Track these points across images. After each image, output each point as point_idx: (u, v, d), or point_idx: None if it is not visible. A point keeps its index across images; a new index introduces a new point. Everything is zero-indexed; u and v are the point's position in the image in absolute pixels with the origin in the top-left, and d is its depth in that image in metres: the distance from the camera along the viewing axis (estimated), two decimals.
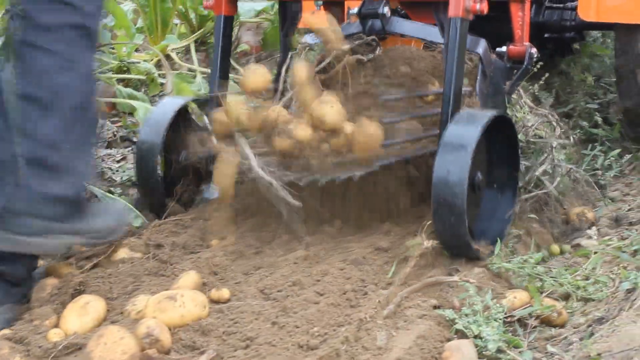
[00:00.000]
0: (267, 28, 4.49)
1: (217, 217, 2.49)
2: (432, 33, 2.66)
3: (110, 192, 2.90)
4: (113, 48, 3.77)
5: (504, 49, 2.78)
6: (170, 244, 2.40)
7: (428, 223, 2.30)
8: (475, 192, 2.34)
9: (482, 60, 2.64)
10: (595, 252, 2.40)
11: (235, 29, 4.49)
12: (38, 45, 2.06)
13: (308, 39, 2.95)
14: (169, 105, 2.73)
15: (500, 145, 2.45)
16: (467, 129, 2.29)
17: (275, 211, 2.42)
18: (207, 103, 2.73)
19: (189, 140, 2.61)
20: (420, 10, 2.81)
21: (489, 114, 2.34)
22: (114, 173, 3.05)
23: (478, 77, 2.65)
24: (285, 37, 2.85)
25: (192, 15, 4.10)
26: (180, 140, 2.67)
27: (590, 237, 2.61)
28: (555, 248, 2.56)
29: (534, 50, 2.78)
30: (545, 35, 3.45)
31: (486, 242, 2.33)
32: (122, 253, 2.32)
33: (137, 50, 3.95)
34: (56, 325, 1.99)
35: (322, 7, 2.90)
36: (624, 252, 2.35)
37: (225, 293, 2.10)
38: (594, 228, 2.71)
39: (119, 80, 3.61)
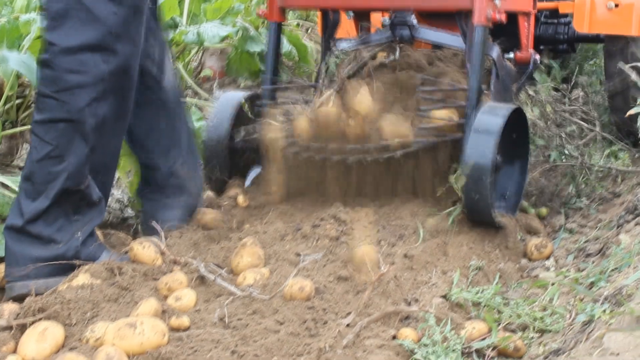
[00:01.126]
0: (231, 53, 4.50)
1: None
2: (453, 40, 3.13)
3: None
4: None
5: (511, 55, 3.30)
6: (131, 270, 2.39)
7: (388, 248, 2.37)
8: (495, 171, 2.76)
9: (495, 63, 3.11)
10: (553, 284, 2.43)
11: (199, 54, 4.52)
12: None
13: (343, 44, 3.30)
14: (231, 98, 3.20)
15: (515, 131, 2.89)
16: (493, 118, 2.76)
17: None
18: (259, 97, 3.22)
19: (243, 128, 3.12)
20: (440, 21, 3.24)
21: (509, 106, 2.84)
22: None
23: (492, 78, 3.11)
24: (327, 41, 3.32)
25: None
26: (238, 128, 3.13)
27: (548, 269, 2.65)
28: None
29: (537, 56, 3.35)
30: (541, 47, 3.85)
31: (501, 212, 2.85)
32: (82, 279, 2.31)
33: None
34: (14, 351, 1.98)
35: (353, 18, 3.38)
36: (580, 284, 2.38)
37: (185, 321, 2.10)
38: (552, 259, 2.75)
39: None
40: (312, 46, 5.10)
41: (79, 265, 2.40)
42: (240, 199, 3.05)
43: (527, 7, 3.34)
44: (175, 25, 4.00)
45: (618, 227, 2.69)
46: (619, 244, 2.41)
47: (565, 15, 3.91)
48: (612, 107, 3.75)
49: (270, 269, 2.43)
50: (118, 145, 2.62)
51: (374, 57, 3.21)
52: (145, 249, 2.49)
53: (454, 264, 2.57)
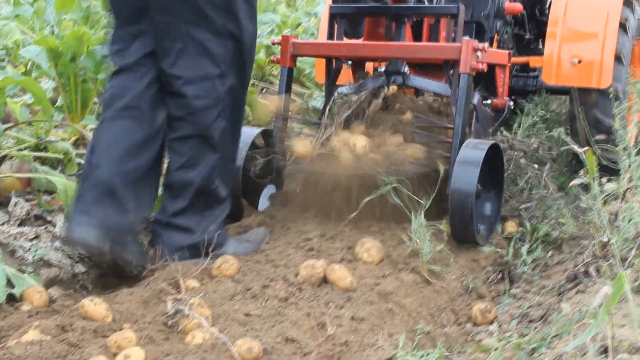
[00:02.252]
0: None
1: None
2: (440, 87, 3.59)
3: (21, 271, 2.89)
4: (31, 125, 3.78)
5: (489, 101, 3.85)
6: (81, 327, 2.40)
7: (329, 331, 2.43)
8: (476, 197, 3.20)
9: (476, 108, 3.63)
10: (496, 349, 2.48)
11: None
12: None
13: (344, 89, 3.77)
14: (248, 133, 3.58)
15: (492, 164, 3.35)
16: (475, 152, 3.23)
17: None
18: (271, 134, 3.67)
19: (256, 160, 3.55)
20: (427, 71, 3.77)
21: (489, 142, 3.32)
22: (25, 252, 3.04)
23: (473, 120, 3.62)
24: (330, 86, 3.78)
25: None
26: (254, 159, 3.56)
27: (491, 334, 2.70)
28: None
29: (511, 103, 3.93)
30: (512, 97, 4.25)
31: (480, 234, 3.30)
32: (32, 335, 2.31)
33: (55, 127, 3.97)
34: None
35: (351, 67, 3.80)
36: (522, 349, 2.43)
37: None
38: (495, 324, 2.80)
39: (36, 158, 3.62)
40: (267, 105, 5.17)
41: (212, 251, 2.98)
42: None
43: (504, 61, 3.83)
44: None
45: (560, 295, 2.76)
46: (560, 312, 2.47)
47: (534, 70, 4.46)
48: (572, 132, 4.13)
49: (220, 328, 2.46)
50: (236, 150, 3.27)
51: (370, 101, 3.67)
52: (96, 305, 2.51)
53: (401, 327, 2.62)
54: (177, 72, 3.00)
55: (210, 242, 3.04)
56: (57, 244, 3.13)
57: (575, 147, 2.41)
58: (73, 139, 3.80)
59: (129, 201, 2.98)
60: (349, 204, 3.33)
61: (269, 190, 3.74)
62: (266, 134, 3.70)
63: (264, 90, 5.57)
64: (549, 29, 4.07)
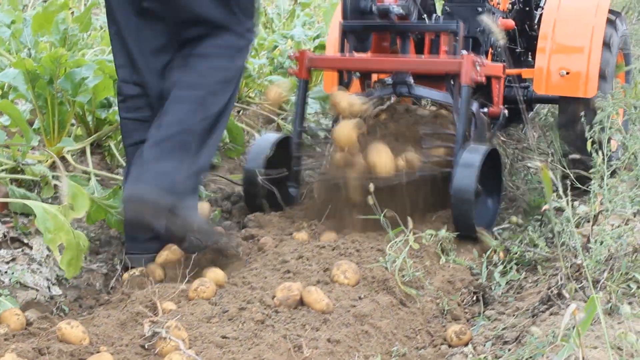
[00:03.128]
0: None
1: None
2: (443, 96, 4.00)
3: None
4: (8, 148, 3.78)
5: (486, 109, 4.15)
6: (57, 350, 2.41)
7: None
8: (476, 197, 3.57)
9: (474, 115, 3.92)
10: None
11: None
12: None
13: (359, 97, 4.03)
14: (268, 138, 4.06)
15: (491, 166, 3.71)
16: (474, 155, 3.60)
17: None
18: (290, 141, 4.07)
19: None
20: (430, 82, 4.11)
21: (486, 147, 3.69)
22: (2, 275, 3.04)
23: (472, 127, 3.89)
24: (347, 88, 4.12)
25: (89, 119, 4.15)
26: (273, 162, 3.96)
27: (466, 355, 2.73)
28: None
29: (506, 111, 4.24)
30: (505, 105, 4.46)
31: (481, 229, 3.60)
32: (9, 358, 2.31)
33: (32, 149, 3.97)
34: None
35: (359, 78, 4.22)
36: None
37: None
38: (470, 345, 2.83)
39: (13, 181, 3.62)
40: (244, 127, 5.19)
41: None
42: None
43: (499, 73, 4.16)
44: (109, 105, 4.05)
45: (533, 316, 2.79)
46: (534, 334, 2.50)
47: (525, 80, 4.84)
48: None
49: (196, 351, 2.47)
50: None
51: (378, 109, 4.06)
52: (73, 328, 2.51)
53: (377, 349, 2.64)
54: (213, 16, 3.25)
55: (185, 178, 3.15)
56: (34, 266, 3.14)
57: (536, 163, 2.45)
58: (50, 161, 3.80)
59: None
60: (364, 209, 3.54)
61: (286, 191, 4.10)
62: (285, 140, 4.08)
63: (241, 112, 5.60)
64: (539, 44, 4.43)
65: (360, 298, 2.92)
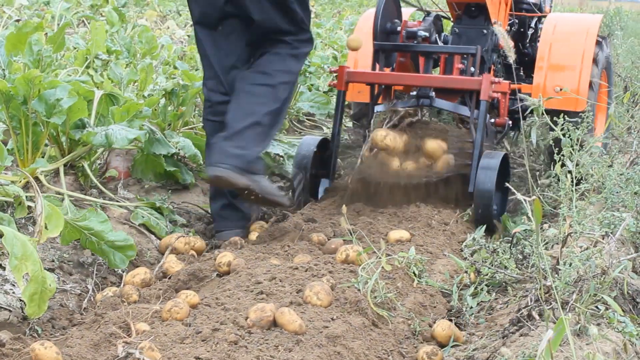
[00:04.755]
0: (137, 155, 4.58)
1: None
2: (461, 109, 4.67)
3: None
4: None
5: (492, 120, 4.72)
6: None
7: None
8: None
9: (486, 126, 4.48)
10: None
11: (105, 154, 4.58)
12: None
13: (380, 108, 4.81)
14: (312, 140, 4.77)
15: (502, 168, 4.33)
16: (493, 160, 4.30)
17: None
18: (329, 144, 4.78)
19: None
20: (450, 96, 4.80)
21: (502, 153, 4.39)
22: None
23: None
24: (372, 105, 4.86)
25: (63, 139, 4.15)
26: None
27: None
28: None
29: (510, 122, 4.83)
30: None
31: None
32: None
33: (5, 169, 3.96)
34: None
35: (383, 90, 4.90)
36: None
37: None
38: None
39: None
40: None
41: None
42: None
43: (505, 89, 4.72)
44: (83, 126, 4.06)
45: (504, 338, 2.83)
46: (504, 355, 2.54)
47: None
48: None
49: None
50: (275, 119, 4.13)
51: (403, 117, 4.66)
52: (46, 349, 2.52)
53: None
54: (285, 27, 4.11)
55: (254, 160, 3.96)
56: (7, 287, 3.14)
57: (519, 196, 2.49)
58: (23, 181, 3.80)
59: None
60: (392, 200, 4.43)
61: (324, 183, 4.78)
62: (325, 141, 4.78)
63: None
64: (537, 63, 5.14)
65: (332, 319, 2.94)
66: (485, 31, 5.11)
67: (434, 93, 4.68)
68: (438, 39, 5.09)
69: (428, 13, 5.40)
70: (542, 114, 3.80)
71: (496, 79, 4.53)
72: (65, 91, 3.89)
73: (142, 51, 6.91)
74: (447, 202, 4.46)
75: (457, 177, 4.48)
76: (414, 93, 4.74)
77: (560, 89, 4.88)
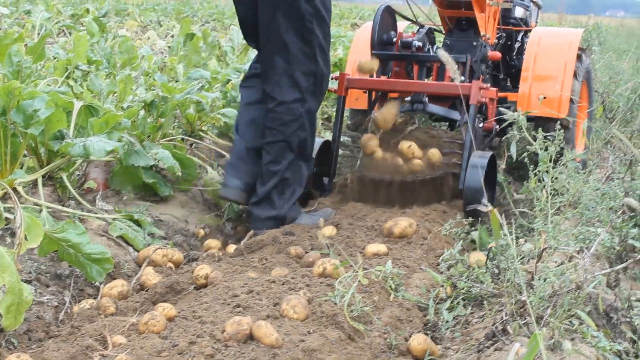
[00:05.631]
0: (115, 167, 4.58)
1: None
2: (452, 113, 5.10)
3: None
4: None
5: (481, 125, 5.09)
6: None
7: None
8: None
9: (475, 129, 4.88)
10: None
11: (84, 165, 4.57)
12: None
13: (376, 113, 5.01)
14: (316, 142, 4.96)
15: (490, 167, 4.65)
16: (481, 159, 4.58)
17: None
18: (330, 145, 5.14)
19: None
20: (442, 102, 5.19)
21: (489, 153, 4.70)
22: None
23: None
24: (371, 109, 5.20)
25: (41, 150, 4.15)
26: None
27: None
28: None
29: (497, 126, 5.12)
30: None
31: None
32: None
33: None
34: None
35: (380, 96, 5.23)
36: None
37: None
38: None
39: None
40: (197, 161, 5.22)
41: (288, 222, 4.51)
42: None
43: (493, 96, 5.14)
44: (62, 137, 4.06)
45: (479, 352, 2.85)
46: None
47: (506, 101, 5.63)
48: None
49: None
50: (309, 152, 4.71)
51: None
52: None
53: None
54: (274, 95, 4.51)
55: (287, 215, 4.51)
56: None
57: (483, 208, 2.52)
58: (1, 192, 3.79)
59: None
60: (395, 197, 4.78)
61: (325, 180, 5.17)
62: (327, 143, 5.14)
63: (193, 145, 5.62)
64: (522, 74, 5.54)
65: (309, 333, 2.96)
66: (474, 43, 5.46)
67: (427, 99, 5.05)
68: (431, 50, 5.50)
69: (422, 26, 5.67)
70: (521, 128, 3.85)
71: (484, 85, 4.90)
72: (43, 102, 3.89)
73: (122, 61, 6.92)
74: (438, 200, 4.77)
75: (448, 176, 4.80)
76: (408, 99, 5.11)
77: (544, 97, 5.30)
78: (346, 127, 5.81)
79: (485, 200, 4.13)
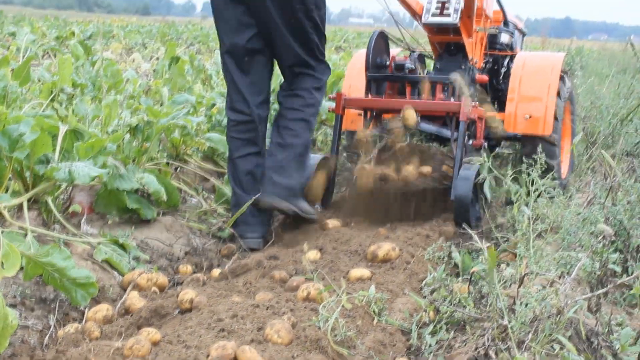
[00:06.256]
0: (100, 190, 4.59)
1: None
2: (443, 131, 5.48)
3: None
4: None
5: (470, 142, 5.36)
6: None
7: None
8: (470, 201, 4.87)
9: (465, 146, 5.14)
10: None
11: (69, 189, 4.58)
12: None
13: (375, 130, 5.43)
14: (313, 159, 5.25)
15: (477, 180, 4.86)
16: (469, 171, 4.89)
17: None
18: (328, 161, 5.36)
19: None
20: (433, 121, 5.53)
21: (477, 165, 4.85)
22: None
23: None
24: (369, 124, 5.50)
25: (27, 174, 4.16)
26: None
27: None
28: None
29: (486, 143, 5.51)
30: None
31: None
32: None
33: None
34: None
35: (375, 115, 5.56)
36: None
37: None
38: None
39: None
40: (181, 187, 5.24)
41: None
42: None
43: (482, 114, 5.45)
44: (47, 161, 4.07)
45: None
46: None
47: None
48: None
49: None
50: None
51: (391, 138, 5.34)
52: None
53: None
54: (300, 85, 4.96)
55: (298, 188, 4.95)
56: None
57: (479, 244, 2.55)
58: None
59: None
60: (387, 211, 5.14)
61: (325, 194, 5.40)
62: (325, 159, 5.34)
63: (178, 169, 5.64)
64: (509, 95, 5.86)
65: (293, 357, 2.97)
66: (463, 67, 5.81)
67: (419, 118, 5.31)
68: (422, 73, 5.81)
69: (413, 51, 6.04)
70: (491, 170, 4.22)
71: (473, 103, 5.19)
72: (29, 126, 3.90)
73: (107, 85, 6.94)
74: (429, 216, 5.12)
75: (439, 189, 5.21)
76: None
77: (530, 117, 5.69)
78: (343, 148, 6.05)
79: (470, 209, 4.78)
